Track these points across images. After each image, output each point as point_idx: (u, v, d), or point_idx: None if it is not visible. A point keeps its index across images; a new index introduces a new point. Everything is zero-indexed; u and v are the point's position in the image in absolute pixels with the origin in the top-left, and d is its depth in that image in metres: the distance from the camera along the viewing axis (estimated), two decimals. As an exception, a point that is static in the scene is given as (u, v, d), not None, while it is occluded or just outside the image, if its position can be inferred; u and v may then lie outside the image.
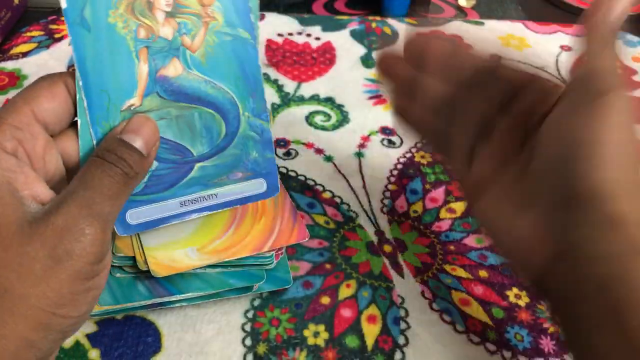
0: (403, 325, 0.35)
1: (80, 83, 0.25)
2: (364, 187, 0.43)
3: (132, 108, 0.26)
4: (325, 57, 0.56)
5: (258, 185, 0.30)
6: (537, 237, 0.27)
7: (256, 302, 0.35)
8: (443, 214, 0.42)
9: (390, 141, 0.47)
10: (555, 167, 0.27)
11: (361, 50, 0.57)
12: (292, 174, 0.44)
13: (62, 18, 0.58)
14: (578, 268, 0.26)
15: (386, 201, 0.42)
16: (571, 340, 0.28)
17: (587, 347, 0.26)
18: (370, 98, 0.51)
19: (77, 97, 0.26)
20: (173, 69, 0.27)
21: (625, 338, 0.25)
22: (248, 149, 0.30)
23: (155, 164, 0.27)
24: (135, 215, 0.28)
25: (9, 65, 0.52)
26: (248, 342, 0.33)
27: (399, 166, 0.45)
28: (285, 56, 0.55)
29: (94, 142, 0.26)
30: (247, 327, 0.34)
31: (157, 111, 0.27)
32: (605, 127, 0.26)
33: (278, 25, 0.60)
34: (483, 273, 0.38)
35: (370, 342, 0.34)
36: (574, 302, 0.27)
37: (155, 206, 0.28)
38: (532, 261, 0.28)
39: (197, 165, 0.29)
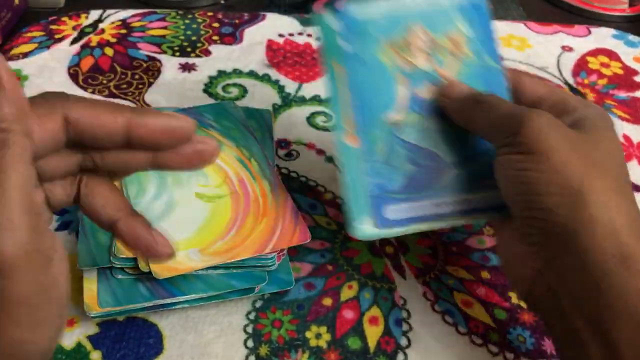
0: (405, 327, 0.35)
1: (349, 99, 0.31)
2: (366, 188, 0.43)
3: (398, 122, 0.32)
4: (326, 58, 0.56)
5: (497, 203, 0.31)
6: (524, 250, 0.29)
7: (258, 304, 0.35)
8: (445, 215, 0.42)
9: (391, 142, 0.47)
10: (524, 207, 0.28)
11: (362, 50, 0.57)
12: (294, 175, 0.44)
13: (63, 19, 0.58)
14: (560, 277, 0.27)
15: (388, 202, 0.42)
16: (563, 351, 0.28)
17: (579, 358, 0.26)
18: (372, 99, 0.51)
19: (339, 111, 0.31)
20: (426, 91, 0.32)
21: (609, 349, 0.25)
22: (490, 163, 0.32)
23: (413, 168, 0.31)
24: (394, 212, 0.30)
25: (9, 65, 0.52)
26: (250, 343, 0.33)
27: (401, 167, 0.45)
28: (286, 57, 0.55)
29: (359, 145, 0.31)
30: (249, 329, 0.34)
31: (417, 125, 0.32)
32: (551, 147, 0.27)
33: (279, 26, 0.60)
34: (485, 274, 0.38)
35: (372, 343, 0.34)
36: (560, 314, 0.27)
37: (412, 205, 0.31)
38: (522, 273, 0.29)
39: (450, 171, 0.32)
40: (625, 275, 0.25)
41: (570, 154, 0.27)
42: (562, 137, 0.27)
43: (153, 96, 0.49)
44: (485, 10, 0.34)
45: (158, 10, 0.61)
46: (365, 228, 0.30)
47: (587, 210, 0.26)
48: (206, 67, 0.53)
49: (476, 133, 0.32)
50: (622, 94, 0.54)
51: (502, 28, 0.62)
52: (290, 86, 0.52)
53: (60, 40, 0.55)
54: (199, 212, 0.35)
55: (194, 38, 0.57)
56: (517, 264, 0.30)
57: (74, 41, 0.55)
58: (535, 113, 0.28)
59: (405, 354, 0.33)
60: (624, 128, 0.50)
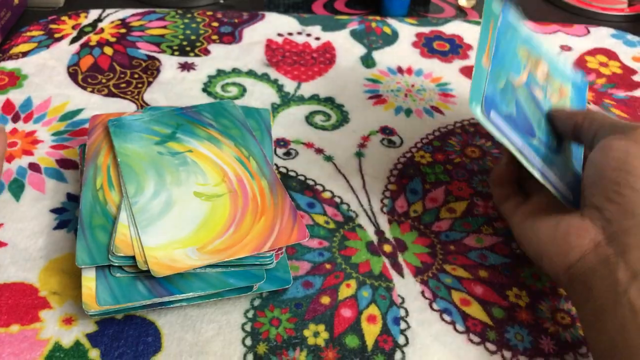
0: (403, 325, 0.35)
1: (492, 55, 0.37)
2: (364, 187, 0.43)
3: (515, 85, 0.38)
4: (325, 57, 0.56)
5: (567, 194, 0.36)
6: (587, 225, 0.32)
7: (256, 302, 0.35)
8: (443, 213, 0.42)
9: (390, 141, 0.47)
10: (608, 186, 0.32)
11: (361, 50, 0.57)
12: (292, 173, 0.44)
13: (63, 18, 0.58)
14: (623, 252, 0.30)
15: (386, 201, 0.42)
16: (603, 322, 0.30)
17: (623, 338, 0.29)
18: (370, 98, 0.51)
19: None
20: (537, 93, 0.39)
21: None
22: (567, 166, 0.38)
23: (515, 113, 0.36)
24: (496, 119, 0.34)
25: (9, 65, 0.52)
26: (248, 342, 0.33)
27: (399, 166, 0.45)
28: (285, 56, 0.55)
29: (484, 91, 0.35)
30: (247, 327, 0.34)
31: (525, 101, 0.37)
32: None
33: (278, 25, 0.60)
34: (483, 273, 0.38)
35: (370, 342, 0.34)
36: (612, 283, 0.30)
37: (508, 128, 0.35)
38: (577, 243, 0.32)
39: (536, 137, 0.37)
40: None
41: None
42: None
43: (152, 95, 0.50)
44: (586, 94, 0.44)
45: (157, 10, 0.61)
46: (477, 109, 0.34)
47: None
48: (205, 66, 0.53)
49: (579, 129, 0.37)
50: (621, 94, 0.54)
51: (501, 27, 0.62)
52: (289, 85, 0.52)
53: (59, 39, 0.56)
54: (198, 211, 0.35)
55: (193, 37, 0.57)
56: (572, 234, 0.33)
57: (73, 40, 0.56)
58: None
59: (403, 353, 0.33)
60: (622, 127, 0.50)
